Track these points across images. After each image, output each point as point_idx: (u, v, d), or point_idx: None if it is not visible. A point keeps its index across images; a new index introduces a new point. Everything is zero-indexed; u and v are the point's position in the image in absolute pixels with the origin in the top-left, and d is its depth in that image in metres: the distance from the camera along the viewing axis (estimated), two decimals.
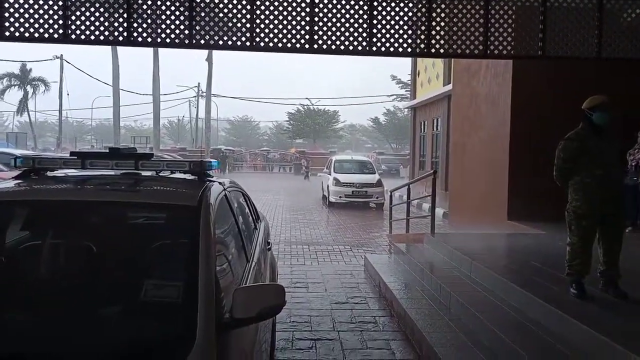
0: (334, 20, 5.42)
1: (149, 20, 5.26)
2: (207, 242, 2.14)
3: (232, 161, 37.69)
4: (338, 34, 5.43)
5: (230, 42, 5.37)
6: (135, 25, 5.24)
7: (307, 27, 5.40)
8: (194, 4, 5.27)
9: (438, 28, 5.59)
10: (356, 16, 5.45)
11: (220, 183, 2.90)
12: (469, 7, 5.56)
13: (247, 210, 3.72)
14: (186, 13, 5.28)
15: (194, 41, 5.31)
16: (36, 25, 5.09)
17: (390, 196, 10.86)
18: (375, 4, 5.47)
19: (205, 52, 34.21)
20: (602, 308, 3.73)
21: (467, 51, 5.62)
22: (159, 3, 5.25)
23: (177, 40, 5.30)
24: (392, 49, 5.53)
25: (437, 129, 19.10)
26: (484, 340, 3.87)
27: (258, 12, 5.34)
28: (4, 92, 42.82)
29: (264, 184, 24.36)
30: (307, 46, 5.43)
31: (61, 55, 36.69)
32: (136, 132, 66.19)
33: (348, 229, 11.50)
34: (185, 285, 2.02)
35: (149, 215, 2.64)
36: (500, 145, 8.18)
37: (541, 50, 5.61)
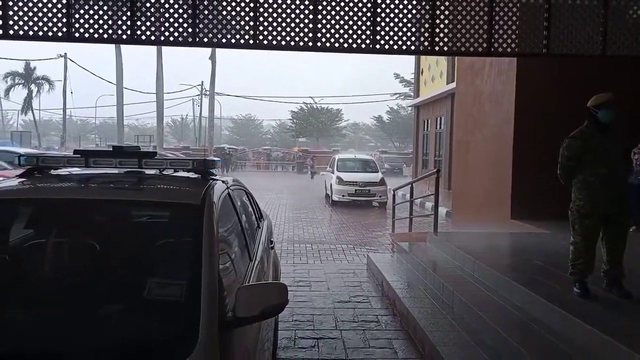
0: (337, 18, 5.41)
1: (153, 19, 5.27)
2: (210, 241, 2.14)
3: (235, 160, 37.73)
4: (341, 31, 5.42)
5: (233, 40, 5.37)
6: (138, 23, 5.25)
7: (311, 25, 5.40)
8: (197, 2, 5.28)
9: (442, 26, 5.57)
10: (359, 14, 5.44)
11: (223, 181, 2.90)
12: (473, 4, 5.54)
13: (250, 208, 3.71)
14: (189, 11, 5.28)
15: (198, 39, 5.32)
16: (40, 24, 5.10)
17: (393, 195, 10.84)
18: (379, 1, 5.46)
19: (208, 50, 34.27)
20: (605, 307, 3.71)
21: (471, 49, 5.60)
22: (162, 1, 5.25)
23: (180, 39, 5.30)
24: (395, 47, 5.52)
25: (440, 128, 19.06)
26: (487, 340, 3.86)
27: (261, 9, 5.34)
28: (9, 91, 43.02)
29: (267, 182, 24.39)
30: (310, 44, 5.42)
31: (65, 53, 36.91)
32: (140, 131, 66.35)
33: (351, 227, 11.49)
34: (188, 284, 2.02)
35: (152, 213, 2.64)
36: (504, 144, 8.15)
37: (545, 48, 5.59)
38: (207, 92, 39.68)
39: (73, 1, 5.15)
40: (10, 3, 5.06)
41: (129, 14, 5.22)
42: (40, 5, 5.08)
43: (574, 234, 3.97)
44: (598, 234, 3.92)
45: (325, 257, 8.19)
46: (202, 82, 47.08)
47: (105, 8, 5.21)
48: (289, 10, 5.36)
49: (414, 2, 5.54)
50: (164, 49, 31.64)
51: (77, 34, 5.18)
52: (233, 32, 5.35)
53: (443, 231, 8.02)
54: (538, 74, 7.59)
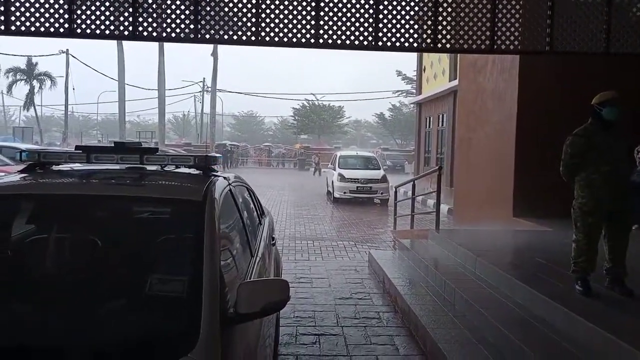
0: (339, 14, 5.40)
1: (155, 15, 5.25)
2: (212, 237, 2.14)
3: (237, 156, 37.73)
4: (344, 28, 5.40)
5: (235, 37, 5.36)
6: (140, 19, 5.24)
7: (313, 22, 5.38)
8: None
9: (444, 23, 5.55)
10: (362, 11, 5.42)
11: (225, 178, 2.90)
12: (475, 1, 5.51)
13: (251, 205, 3.71)
14: (191, 8, 5.27)
15: (199, 36, 5.30)
16: (42, 20, 5.09)
17: (395, 192, 10.83)
18: None
19: (210, 47, 34.23)
20: (607, 305, 3.70)
21: (474, 46, 5.58)
22: None
23: (182, 35, 5.29)
24: (398, 44, 5.50)
25: (442, 125, 19.03)
26: (488, 337, 3.86)
27: (263, 6, 5.33)
28: (11, 87, 43.06)
29: (269, 179, 24.40)
30: (312, 41, 5.40)
31: (67, 49, 36.87)
32: (141, 127, 66.40)
33: (352, 224, 11.49)
34: (190, 280, 2.02)
35: (154, 209, 2.64)
36: (506, 141, 8.13)
37: (549, 46, 5.56)
38: (209, 89, 39.65)
39: None
40: None
41: (130, 10, 5.21)
42: (42, 0, 5.07)
43: (576, 231, 3.96)
44: (600, 231, 3.91)
45: (326, 253, 8.19)
46: (204, 78, 47.08)
47: (107, 4, 5.20)
48: (291, 7, 5.34)
49: None
50: (166, 45, 31.60)
51: (78, 30, 5.17)
52: (235, 28, 5.34)
53: (445, 228, 8.01)
54: (541, 71, 7.56)
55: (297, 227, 10.84)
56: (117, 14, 5.21)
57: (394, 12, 5.46)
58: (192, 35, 5.30)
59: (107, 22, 5.19)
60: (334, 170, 16.48)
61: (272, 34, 5.35)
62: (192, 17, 5.27)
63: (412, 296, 5.07)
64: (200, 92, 50.33)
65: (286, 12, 5.34)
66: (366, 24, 5.43)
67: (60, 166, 2.86)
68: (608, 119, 3.87)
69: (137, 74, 45.77)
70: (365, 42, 5.46)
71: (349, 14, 5.41)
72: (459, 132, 11.25)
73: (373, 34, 5.45)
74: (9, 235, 2.42)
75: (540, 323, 3.75)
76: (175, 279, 2.16)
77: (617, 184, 3.83)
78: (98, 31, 5.19)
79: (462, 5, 5.52)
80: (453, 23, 5.55)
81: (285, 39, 5.37)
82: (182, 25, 5.27)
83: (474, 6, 5.52)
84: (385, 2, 5.46)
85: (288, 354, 4.06)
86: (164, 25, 5.26)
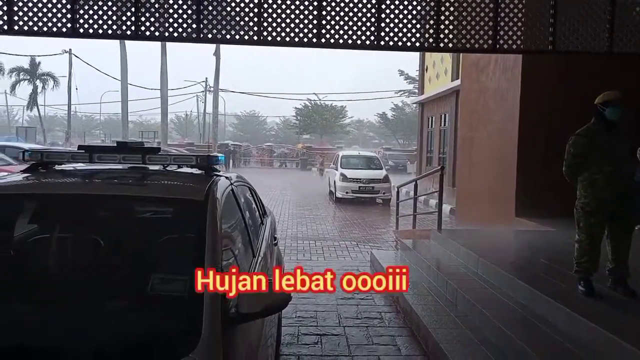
0: (341, 14, 5.39)
1: (157, 15, 5.26)
2: (214, 237, 2.14)
3: (240, 156, 37.77)
4: (346, 28, 5.40)
5: (237, 37, 5.36)
6: (143, 19, 5.25)
7: (315, 21, 5.38)
8: None
9: (447, 22, 5.54)
10: (364, 10, 5.41)
11: (227, 177, 2.90)
12: (478, 0, 5.50)
13: (253, 205, 3.71)
14: (194, 7, 5.27)
15: (202, 35, 5.31)
16: (44, 19, 5.11)
17: (397, 192, 10.83)
18: None
19: (212, 46, 34.25)
20: (610, 306, 3.69)
21: (476, 46, 5.57)
22: None
23: (184, 35, 5.30)
24: (400, 44, 5.49)
25: (444, 125, 19.00)
26: (490, 337, 3.85)
27: (265, 5, 5.33)
28: (15, 87, 43.19)
29: (271, 179, 24.40)
30: (314, 40, 5.40)
31: (70, 49, 36.95)
32: (144, 127, 66.53)
33: (354, 224, 11.49)
34: (192, 280, 2.02)
35: (156, 209, 2.64)
36: (508, 141, 8.11)
37: (551, 45, 5.55)
38: (212, 89, 39.68)
39: None
40: None
41: (133, 9, 5.22)
42: (45, 1, 5.09)
43: (579, 231, 3.95)
44: (603, 232, 3.89)
45: (328, 253, 8.19)
46: (207, 78, 47.13)
47: (109, 4, 5.21)
48: (293, 6, 5.34)
49: None
50: (169, 45, 31.65)
51: (81, 30, 5.18)
52: (237, 28, 5.34)
53: (447, 228, 8.01)
54: (544, 70, 7.54)
55: (299, 227, 10.84)
56: (119, 13, 5.22)
57: (396, 12, 5.46)
58: (194, 35, 5.30)
59: (110, 22, 5.20)
60: (336, 170, 16.47)
61: (274, 34, 5.36)
62: (194, 16, 5.27)
63: (414, 296, 5.06)
64: (202, 91, 50.42)
65: (288, 11, 5.34)
66: (368, 24, 5.43)
67: (63, 166, 2.87)
68: (611, 119, 3.86)
69: (140, 73, 45.90)
70: (368, 42, 5.45)
71: (351, 14, 5.40)
72: (461, 132, 11.23)
73: (375, 33, 5.45)
74: (12, 235, 2.42)
75: (543, 323, 3.75)
76: (177, 278, 2.16)
77: (619, 184, 3.81)
78: (101, 31, 5.20)
79: (465, 5, 5.51)
80: (455, 22, 5.54)
81: (288, 39, 5.37)
82: (185, 25, 5.28)
83: (477, 5, 5.51)
84: (388, 2, 5.45)
85: (290, 354, 4.06)
86: (167, 24, 5.27)
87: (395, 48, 5.52)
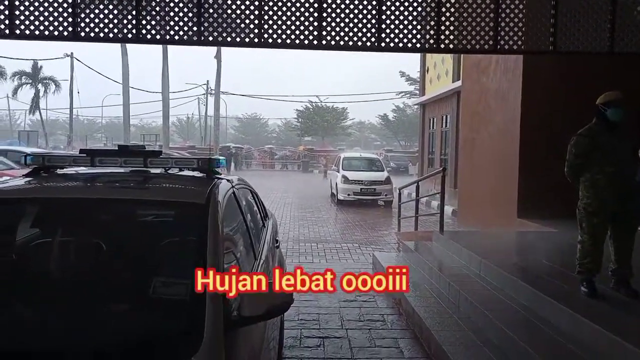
0: (342, 16, 5.40)
1: (158, 18, 5.27)
2: (215, 240, 2.14)
3: (241, 159, 37.82)
4: (346, 29, 5.41)
5: (238, 39, 5.37)
6: (144, 22, 5.26)
7: (316, 23, 5.38)
8: (202, 0, 5.28)
9: (447, 23, 5.54)
10: (364, 12, 5.42)
11: (228, 180, 2.90)
12: (479, 1, 5.51)
13: (255, 207, 3.71)
14: (194, 10, 5.28)
15: (203, 38, 5.32)
16: (46, 24, 5.12)
17: (399, 194, 10.82)
18: None
19: (214, 49, 34.33)
20: (613, 307, 3.68)
21: (477, 46, 5.57)
22: (167, 0, 5.26)
23: (185, 37, 5.31)
24: (400, 45, 5.49)
25: (446, 126, 19.00)
26: (493, 339, 3.84)
27: (266, 8, 5.34)
28: (17, 91, 43.34)
29: (273, 181, 24.40)
30: (315, 42, 5.41)
31: (71, 53, 37.06)
32: (146, 130, 66.62)
33: (356, 226, 11.48)
34: (194, 283, 2.02)
35: (158, 212, 2.65)
36: (510, 142, 8.10)
37: (552, 45, 5.54)
38: (213, 91, 39.76)
39: (79, 1, 5.17)
40: (17, 3, 5.08)
41: (134, 13, 5.23)
42: (46, 4, 5.10)
43: (581, 232, 3.94)
44: (606, 232, 3.88)
45: (330, 256, 8.18)
46: (208, 81, 47.27)
47: (110, 7, 5.22)
48: (293, 9, 5.35)
49: (419, 0, 5.51)
50: (170, 48, 31.72)
51: (82, 34, 5.20)
52: (238, 30, 5.35)
53: (449, 230, 7.99)
54: (545, 71, 7.53)
55: (300, 229, 10.83)
56: (120, 16, 5.23)
57: (397, 13, 5.46)
58: (195, 38, 5.31)
59: (111, 25, 5.22)
60: (338, 172, 16.47)
61: (275, 36, 5.36)
62: (195, 19, 5.29)
63: (417, 298, 5.05)
64: (204, 94, 50.52)
65: (289, 13, 5.35)
66: (369, 25, 5.43)
67: (65, 170, 2.87)
68: (613, 119, 3.85)
69: (142, 76, 46.01)
70: (368, 43, 5.46)
71: (351, 15, 5.41)
72: (462, 133, 11.22)
73: (376, 34, 5.45)
74: (14, 239, 2.43)
75: (546, 325, 3.73)
76: (179, 282, 2.16)
77: (621, 185, 3.80)
78: (102, 34, 5.22)
79: (465, 6, 5.52)
80: (456, 23, 5.54)
81: (288, 41, 5.38)
82: (185, 28, 5.29)
83: (477, 6, 5.51)
84: (388, 3, 5.46)
85: (292, 357, 4.05)
86: (167, 27, 5.28)
87: (395, 49, 5.52)
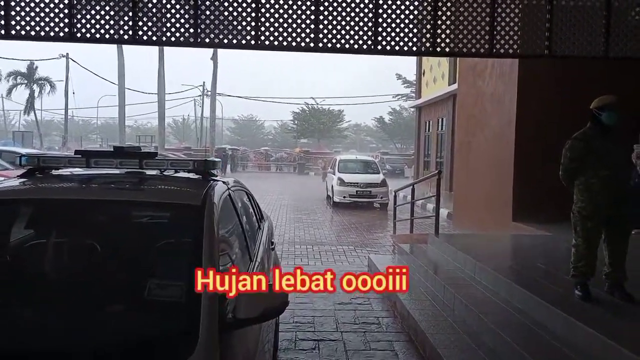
0: (339, 18, 5.41)
1: (155, 19, 5.26)
2: (211, 242, 2.14)
3: (237, 160, 37.76)
4: (343, 32, 5.41)
5: (235, 41, 5.36)
6: (140, 23, 5.25)
7: (312, 26, 5.39)
8: (199, 2, 5.27)
9: (444, 27, 5.56)
10: (361, 14, 5.43)
11: (224, 182, 2.90)
12: (474, 5, 5.53)
13: (251, 209, 3.71)
14: (191, 12, 5.28)
15: (199, 40, 5.31)
16: (42, 24, 5.10)
17: (395, 196, 10.83)
18: (381, 2, 5.45)
19: (210, 50, 34.28)
20: (607, 310, 3.70)
21: (473, 50, 5.58)
22: (164, 1, 5.25)
23: (182, 39, 5.30)
24: (397, 48, 5.51)
25: (442, 129, 19.05)
26: (488, 342, 3.85)
27: (263, 10, 5.34)
28: (11, 91, 43.13)
29: (268, 183, 24.37)
30: (312, 45, 5.41)
31: (67, 54, 36.93)
32: (141, 131, 66.43)
33: (352, 229, 11.48)
34: (189, 285, 2.01)
35: (153, 214, 2.64)
36: (505, 145, 8.14)
37: (548, 49, 5.57)
38: (209, 93, 39.70)
39: (75, 1, 5.15)
40: (12, 3, 5.06)
41: (130, 14, 5.22)
42: (42, 5, 5.08)
43: (575, 236, 3.96)
44: (600, 236, 3.90)
45: (326, 258, 8.18)
46: (204, 82, 47.14)
47: (107, 8, 5.21)
48: (290, 11, 5.35)
49: (416, 3, 5.53)
50: (166, 49, 31.64)
51: (79, 34, 5.18)
52: (235, 32, 5.35)
53: (444, 233, 8.01)
54: (540, 75, 7.57)
55: (296, 231, 10.82)
56: (117, 18, 5.22)
57: (393, 16, 5.47)
58: (191, 39, 5.31)
59: (107, 26, 5.20)
60: (334, 174, 16.48)
61: (271, 38, 5.36)
62: (191, 21, 5.28)
63: (412, 301, 5.06)
64: (200, 96, 50.43)
65: (285, 16, 5.35)
66: (365, 28, 5.44)
67: (60, 171, 2.86)
68: (607, 123, 3.87)
69: (137, 77, 45.86)
70: (365, 46, 5.47)
71: (348, 18, 5.42)
72: (458, 136, 11.26)
73: (372, 37, 5.46)
74: (8, 240, 2.41)
75: (540, 328, 3.75)
76: (174, 283, 2.16)
77: (616, 189, 3.82)
78: (98, 35, 5.20)
79: (462, 9, 5.54)
80: (452, 27, 5.55)
81: (285, 43, 5.38)
82: (182, 29, 5.28)
83: (473, 10, 5.53)
84: (385, 6, 5.47)
85: None
86: (164, 29, 5.27)
87: (392, 52, 5.53)
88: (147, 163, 2.74)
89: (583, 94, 4.71)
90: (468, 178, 10.15)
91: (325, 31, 5.40)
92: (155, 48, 30.84)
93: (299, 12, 5.36)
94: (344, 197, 15.35)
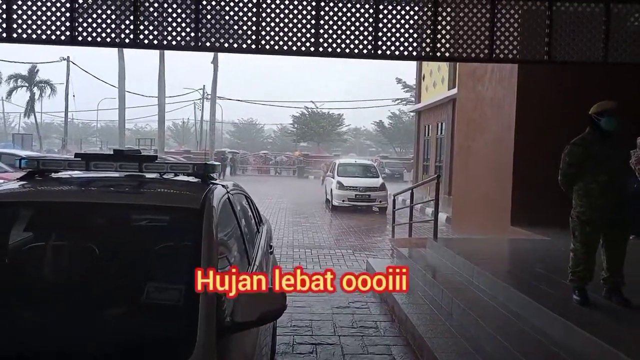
0: (339, 23, 5.43)
1: (156, 23, 5.28)
2: (210, 245, 2.14)
3: (238, 164, 37.76)
4: (343, 37, 5.44)
5: (235, 45, 5.39)
6: (141, 27, 5.27)
7: (313, 30, 5.41)
8: (200, 6, 5.30)
9: (444, 32, 5.58)
10: (362, 19, 5.45)
11: (223, 186, 2.91)
12: (474, 10, 5.55)
13: (249, 213, 3.71)
14: (192, 16, 5.30)
15: (200, 44, 5.33)
16: (43, 27, 5.12)
17: (394, 200, 10.84)
18: (381, 7, 5.48)
19: (210, 54, 34.33)
20: (605, 315, 3.70)
21: (473, 55, 5.61)
22: (165, 5, 5.27)
23: (183, 43, 5.32)
24: (397, 53, 5.53)
25: (441, 133, 19.07)
26: (485, 347, 3.85)
27: (264, 14, 5.36)
28: (12, 93, 43.17)
29: (267, 187, 24.36)
30: (312, 49, 5.43)
31: (68, 57, 36.98)
32: (141, 134, 66.45)
33: (351, 232, 11.48)
34: (187, 288, 2.02)
35: (152, 217, 2.65)
36: (504, 150, 8.15)
37: (547, 55, 5.59)
38: (209, 96, 39.75)
39: (76, 5, 5.17)
40: (14, 7, 5.08)
41: (132, 18, 5.24)
42: (44, 8, 5.10)
43: (574, 241, 3.96)
44: (598, 241, 3.91)
45: (324, 262, 8.18)
46: (204, 86, 47.23)
47: (108, 12, 5.23)
48: (291, 16, 5.38)
49: (416, 8, 5.55)
50: (167, 53, 31.69)
51: (80, 38, 5.20)
52: (235, 36, 5.37)
53: (443, 237, 8.01)
54: (540, 80, 7.59)
55: (295, 235, 10.82)
56: (118, 21, 5.24)
57: (394, 21, 5.50)
58: (192, 43, 5.33)
59: (109, 30, 5.22)
60: (333, 178, 16.49)
61: (272, 42, 5.38)
62: (192, 25, 5.30)
63: (410, 305, 5.06)
64: (200, 99, 50.48)
65: (286, 20, 5.38)
66: (366, 33, 5.47)
67: (60, 174, 2.87)
68: (606, 129, 3.88)
69: (138, 80, 45.93)
70: (365, 51, 5.49)
71: (348, 23, 5.44)
72: (457, 141, 11.28)
73: (372, 42, 5.48)
74: (8, 243, 2.42)
75: (538, 333, 3.75)
76: (173, 287, 2.16)
77: (614, 194, 3.83)
78: (99, 39, 5.22)
79: (461, 15, 5.56)
80: (452, 32, 5.58)
81: (285, 47, 5.40)
82: (183, 33, 5.30)
83: (473, 15, 5.56)
84: (385, 11, 5.49)
85: None
86: (165, 33, 5.29)
87: (392, 57, 5.55)
88: (146, 166, 2.74)
89: (582, 99, 4.73)
90: (467, 182, 10.16)
91: (326, 36, 5.43)
92: (156, 51, 30.86)
93: (300, 16, 5.38)
94: (343, 200, 15.35)
